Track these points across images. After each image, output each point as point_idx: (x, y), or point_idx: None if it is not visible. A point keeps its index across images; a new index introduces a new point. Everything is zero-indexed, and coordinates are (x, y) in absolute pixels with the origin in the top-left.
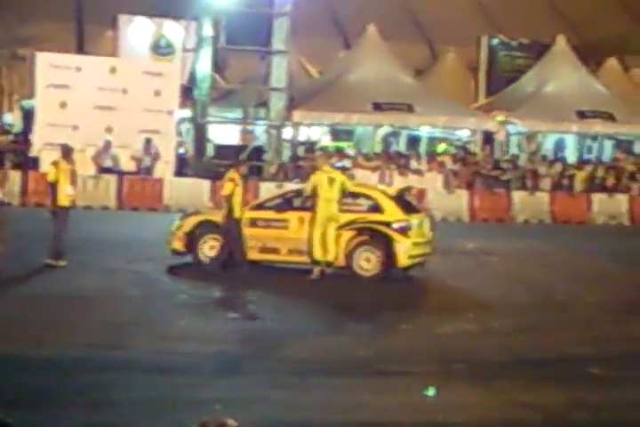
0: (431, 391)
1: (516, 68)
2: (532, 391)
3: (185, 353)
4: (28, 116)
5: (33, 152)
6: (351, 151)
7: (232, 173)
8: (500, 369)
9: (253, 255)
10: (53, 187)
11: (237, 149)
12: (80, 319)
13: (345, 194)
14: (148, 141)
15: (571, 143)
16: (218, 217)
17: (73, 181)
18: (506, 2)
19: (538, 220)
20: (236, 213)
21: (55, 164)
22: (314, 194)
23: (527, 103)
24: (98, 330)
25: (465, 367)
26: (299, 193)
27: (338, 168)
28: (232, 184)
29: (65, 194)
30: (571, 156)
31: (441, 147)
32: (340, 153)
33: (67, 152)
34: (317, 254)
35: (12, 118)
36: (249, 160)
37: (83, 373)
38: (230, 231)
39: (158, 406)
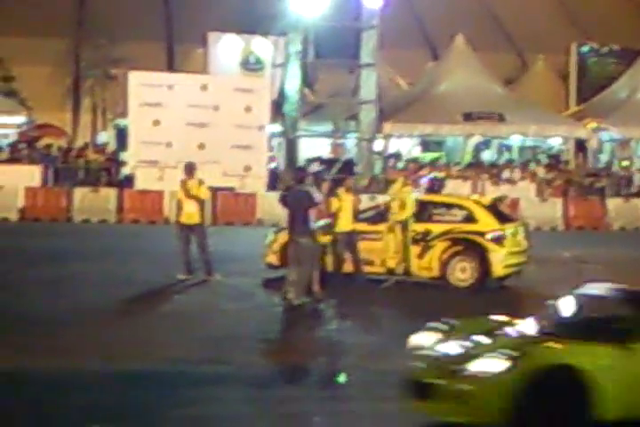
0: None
1: (607, 75)
2: None
3: (282, 366)
4: (121, 134)
5: (127, 170)
6: (442, 162)
7: (338, 190)
8: None
9: (348, 267)
10: (203, 204)
11: (328, 163)
12: (177, 334)
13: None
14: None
15: None
16: None
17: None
18: (595, 9)
19: (634, 227)
20: (338, 228)
21: (202, 182)
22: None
23: (619, 110)
24: (195, 344)
25: None
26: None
27: (430, 180)
28: (336, 200)
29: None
30: None
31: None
32: (432, 164)
33: (190, 169)
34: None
35: (106, 137)
36: (340, 173)
37: (182, 387)
38: (334, 246)
39: (257, 419)
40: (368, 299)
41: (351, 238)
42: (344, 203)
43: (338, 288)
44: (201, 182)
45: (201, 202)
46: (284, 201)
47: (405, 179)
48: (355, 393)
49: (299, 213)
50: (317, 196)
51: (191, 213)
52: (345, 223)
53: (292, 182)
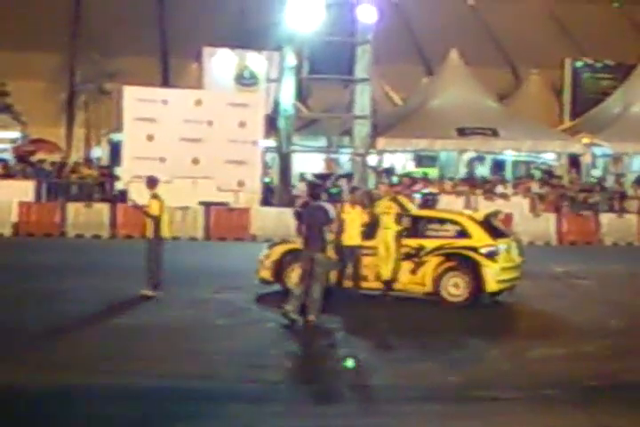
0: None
1: (600, 90)
2: (626, 416)
3: (276, 382)
4: (115, 149)
5: (120, 185)
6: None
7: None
8: (592, 394)
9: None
10: (157, 220)
11: (323, 178)
12: (169, 349)
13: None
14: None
15: None
16: None
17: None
18: (589, 24)
19: (626, 242)
20: (344, 241)
21: (156, 197)
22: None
23: (613, 125)
24: (187, 360)
25: (556, 392)
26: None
27: (426, 195)
28: (341, 214)
29: (166, 226)
30: None
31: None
32: (425, 179)
33: (150, 183)
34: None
35: (100, 152)
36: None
37: (174, 402)
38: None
39: None
40: (361, 314)
41: (354, 253)
42: (349, 216)
43: (333, 303)
44: (153, 197)
45: (152, 217)
46: (299, 217)
47: (395, 193)
48: (347, 409)
49: (314, 230)
50: (332, 212)
51: (146, 227)
52: (349, 237)
53: (308, 198)
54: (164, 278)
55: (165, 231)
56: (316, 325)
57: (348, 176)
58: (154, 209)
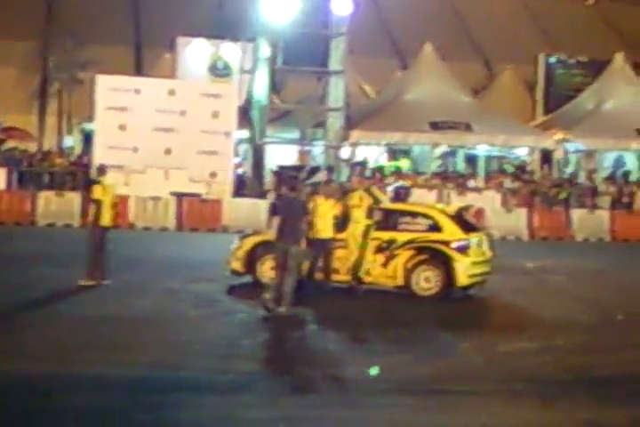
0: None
1: (573, 86)
2: (596, 410)
3: (247, 372)
4: (87, 138)
5: (93, 174)
6: (407, 169)
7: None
8: (562, 388)
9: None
10: (98, 204)
11: (295, 170)
12: (141, 340)
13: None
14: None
15: (630, 161)
16: None
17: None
18: (563, 20)
19: (597, 238)
20: (313, 234)
21: (100, 182)
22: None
23: (586, 121)
24: (160, 350)
25: (527, 386)
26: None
27: (398, 188)
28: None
29: (108, 213)
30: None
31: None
32: (398, 173)
33: (99, 171)
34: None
35: (72, 141)
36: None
37: (146, 392)
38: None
39: (223, 425)
40: (333, 307)
41: (326, 246)
42: (321, 208)
43: (305, 296)
44: (98, 183)
45: (94, 201)
46: (274, 209)
47: (368, 186)
48: (320, 400)
49: (290, 222)
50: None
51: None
52: (321, 230)
53: (284, 190)
54: (131, 269)
55: (106, 219)
56: (288, 316)
57: (329, 169)
58: (96, 193)
